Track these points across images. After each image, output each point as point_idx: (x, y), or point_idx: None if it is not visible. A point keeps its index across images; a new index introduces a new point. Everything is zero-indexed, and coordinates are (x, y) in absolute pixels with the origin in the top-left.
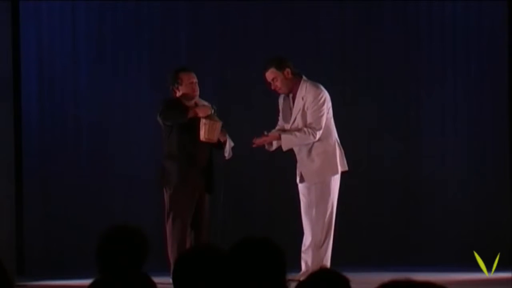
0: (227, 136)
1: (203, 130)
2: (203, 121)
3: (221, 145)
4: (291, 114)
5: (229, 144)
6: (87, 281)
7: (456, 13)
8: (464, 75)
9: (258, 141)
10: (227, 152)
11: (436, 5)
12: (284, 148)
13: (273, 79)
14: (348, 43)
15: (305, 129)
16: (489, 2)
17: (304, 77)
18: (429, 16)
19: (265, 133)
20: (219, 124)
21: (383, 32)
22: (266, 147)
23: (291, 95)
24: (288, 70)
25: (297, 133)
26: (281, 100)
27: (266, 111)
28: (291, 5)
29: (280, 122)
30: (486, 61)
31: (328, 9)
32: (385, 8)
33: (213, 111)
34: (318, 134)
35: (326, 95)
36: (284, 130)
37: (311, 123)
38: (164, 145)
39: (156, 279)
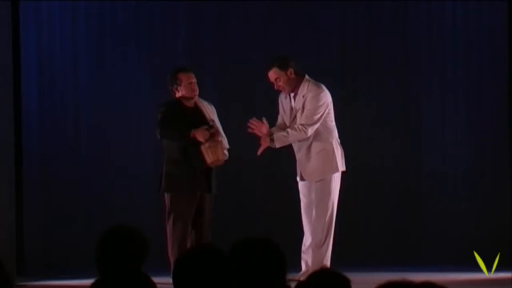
0: (222, 138)
1: (207, 155)
2: (205, 145)
3: None
4: (291, 113)
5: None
6: (87, 281)
7: (456, 13)
8: (464, 75)
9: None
10: None
11: (436, 5)
12: (277, 146)
13: (276, 79)
14: (348, 43)
15: (296, 126)
16: (489, 2)
17: (306, 76)
18: (429, 15)
19: (264, 119)
20: (220, 144)
21: (383, 32)
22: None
23: (292, 94)
24: (291, 70)
25: (290, 131)
26: (282, 99)
27: (266, 111)
28: (291, 5)
29: (280, 121)
30: (486, 61)
31: (328, 9)
32: (385, 8)
33: (211, 128)
34: (310, 130)
35: (327, 95)
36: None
37: (303, 119)
38: (165, 151)
39: (156, 279)
